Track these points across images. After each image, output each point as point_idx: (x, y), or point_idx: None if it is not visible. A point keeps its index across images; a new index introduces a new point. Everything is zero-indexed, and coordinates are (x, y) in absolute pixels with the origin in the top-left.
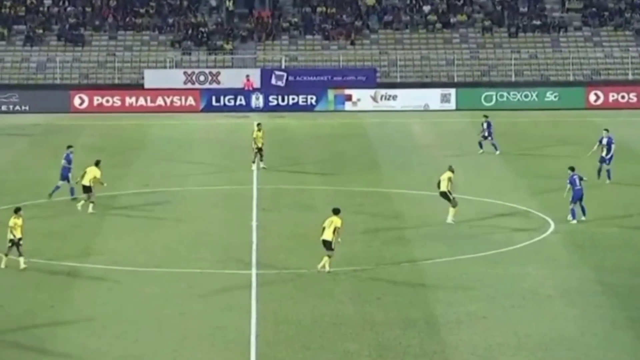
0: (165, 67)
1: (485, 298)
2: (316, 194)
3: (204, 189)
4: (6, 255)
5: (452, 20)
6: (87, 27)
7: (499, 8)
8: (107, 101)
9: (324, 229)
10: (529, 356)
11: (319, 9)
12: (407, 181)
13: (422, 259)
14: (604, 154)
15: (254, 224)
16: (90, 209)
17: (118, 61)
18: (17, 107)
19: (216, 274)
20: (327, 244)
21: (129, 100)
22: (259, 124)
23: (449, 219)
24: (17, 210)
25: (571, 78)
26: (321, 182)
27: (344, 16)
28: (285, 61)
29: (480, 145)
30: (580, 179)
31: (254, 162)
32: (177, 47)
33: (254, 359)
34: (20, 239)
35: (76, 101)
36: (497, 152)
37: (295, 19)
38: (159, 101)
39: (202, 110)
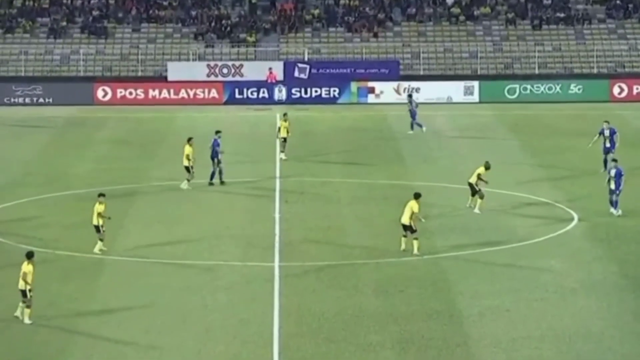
0: (188, 60)
1: (509, 291)
2: (339, 186)
3: (227, 181)
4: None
5: (476, 12)
6: (110, 19)
7: (522, 0)
8: (130, 94)
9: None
10: (552, 349)
11: (342, 2)
12: (431, 173)
13: (445, 251)
14: (607, 144)
15: (277, 216)
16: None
17: (141, 54)
18: (41, 100)
19: (239, 266)
20: (405, 227)
21: (152, 93)
22: (284, 114)
23: (476, 209)
24: (100, 195)
25: (595, 70)
26: (344, 175)
27: (367, 9)
28: (308, 54)
29: (412, 127)
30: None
31: (282, 151)
32: (200, 39)
33: (277, 351)
34: (102, 225)
35: (99, 94)
36: (424, 129)
37: (318, 12)
38: (182, 94)
39: (225, 103)
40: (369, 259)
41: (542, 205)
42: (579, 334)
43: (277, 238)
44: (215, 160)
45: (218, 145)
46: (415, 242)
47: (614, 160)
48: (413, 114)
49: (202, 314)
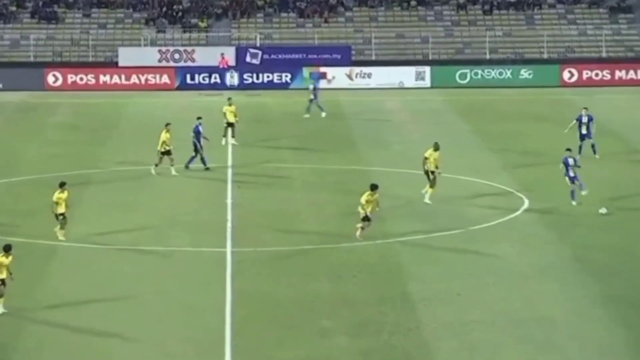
0: (139, 45)
1: (460, 275)
2: (292, 171)
3: (179, 167)
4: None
5: None
6: (60, 4)
7: None
8: (81, 79)
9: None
10: (503, 333)
11: None
12: (383, 158)
13: (397, 236)
14: (583, 131)
15: (229, 201)
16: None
17: (92, 39)
18: None
19: (192, 252)
20: (365, 218)
21: (103, 79)
22: (229, 99)
23: (427, 198)
24: (61, 185)
25: (545, 55)
26: (297, 160)
27: None
28: (260, 39)
29: (308, 110)
30: (574, 162)
31: (224, 136)
32: (152, 25)
33: (229, 337)
34: (63, 214)
35: (50, 79)
36: (323, 114)
37: None
38: (134, 79)
39: (177, 89)
40: (321, 244)
41: (493, 190)
42: (531, 318)
43: (229, 224)
44: (197, 145)
45: (199, 131)
46: (363, 228)
47: (568, 149)
48: (315, 97)
49: (155, 300)
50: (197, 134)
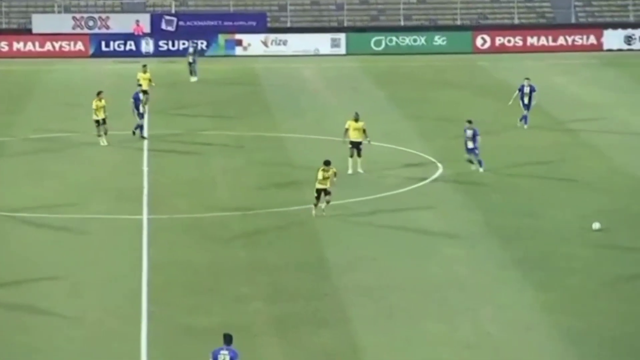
0: (53, 12)
1: (375, 240)
2: (208, 138)
3: (94, 135)
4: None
5: None
6: None
7: None
8: None
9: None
10: (418, 296)
11: None
12: (299, 125)
13: (313, 203)
14: (526, 101)
15: (145, 169)
16: None
17: (5, 5)
18: None
19: (108, 219)
20: (320, 192)
21: (17, 46)
22: (144, 66)
23: (359, 168)
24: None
25: (459, 22)
26: (213, 127)
27: None
28: (175, 6)
29: (191, 73)
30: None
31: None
32: None
33: (145, 304)
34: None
35: None
36: (194, 79)
37: None
38: (48, 46)
39: (92, 56)
40: (238, 211)
41: (408, 156)
42: (445, 282)
43: (145, 191)
44: (136, 112)
45: (138, 97)
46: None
47: (469, 121)
48: (194, 61)
49: (72, 268)
50: (136, 100)
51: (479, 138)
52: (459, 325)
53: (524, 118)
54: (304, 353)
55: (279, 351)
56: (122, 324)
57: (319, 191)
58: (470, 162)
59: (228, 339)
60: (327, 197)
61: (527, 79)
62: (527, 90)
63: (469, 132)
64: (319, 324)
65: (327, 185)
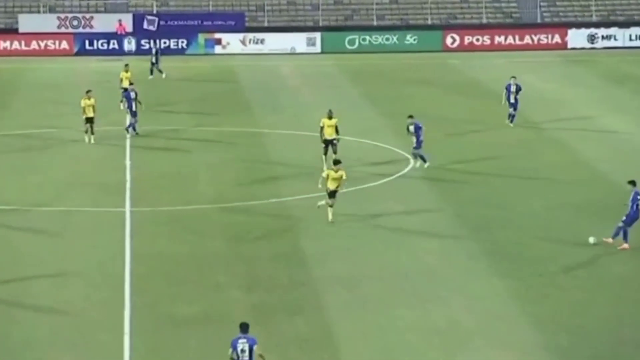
0: (39, 12)
1: (349, 232)
2: (189, 134)
3: (79, 131)
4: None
5: None
6: None
7: None
8: None
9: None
10: (391, 285)
11: None
12: (277, 121)
13: (290, 196)
14: (512, 100)
15: (128, 163)
16: None
17: None
18: None
19: (92, 212)
20: (332, 194)
21: (4, 45)
22: (126, 65)
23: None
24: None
25: (429, 22)
26: (194, 123)
27: None
28: (157, 6)
29: (151, 72)
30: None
31: (121, 101)
32: None
33: (128, 293)
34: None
35: None
36: (155, 76)
37: None
38: (33, 45)
39: (76, 54)
40: (217, 204)
41: (381, 151)
42: (416, 272)
43: (128, 185)
44: (129, 111)
45: (131, 97)
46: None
47: (410, 116)
48: (156, 61)
49: (56, 259)
50: (129, 99)
51: (421, 132)
52: (429, 313)
53: (511, 117)
54: (280, 340)
55: (257, 338)
56: (106, 314)
57: (332, 192)
58: (415, 157)
59: (245, 328)
60: (330, 201)
61: (514, 77)
62: (513, 89)
63: (411, 128)
64: (295, 312)
65: (338, 186)
